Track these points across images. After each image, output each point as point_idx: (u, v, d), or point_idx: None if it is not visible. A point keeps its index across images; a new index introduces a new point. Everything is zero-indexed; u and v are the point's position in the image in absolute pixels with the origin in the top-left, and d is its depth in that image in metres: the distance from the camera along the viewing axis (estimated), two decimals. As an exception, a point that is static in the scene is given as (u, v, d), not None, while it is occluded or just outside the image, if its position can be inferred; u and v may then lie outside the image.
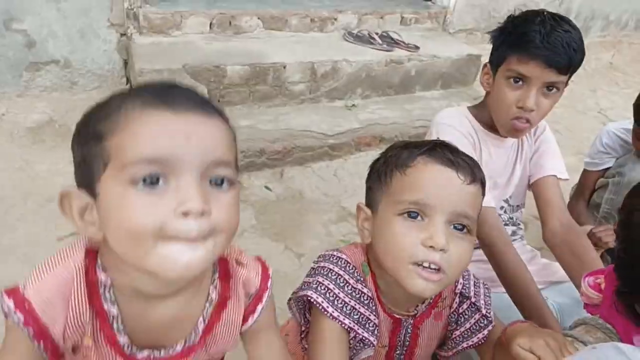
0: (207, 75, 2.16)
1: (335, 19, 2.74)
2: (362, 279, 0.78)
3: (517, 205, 1.27)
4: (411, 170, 0.73)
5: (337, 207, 1.98)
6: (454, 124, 1.15)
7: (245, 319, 0.69)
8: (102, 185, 0.52)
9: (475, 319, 0.82)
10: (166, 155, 0.49)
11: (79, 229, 0.55)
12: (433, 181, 0.72)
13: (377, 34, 2.70)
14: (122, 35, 2.28)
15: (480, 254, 1.07)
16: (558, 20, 1.04)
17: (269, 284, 0.71)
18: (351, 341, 0.77)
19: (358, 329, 0.75)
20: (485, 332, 0.82)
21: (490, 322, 0.82)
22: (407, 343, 0.83)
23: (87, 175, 0.53)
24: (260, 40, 2.50)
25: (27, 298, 0.55)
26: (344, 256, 0.79)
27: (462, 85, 2.82)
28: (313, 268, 0.81)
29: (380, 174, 0.78)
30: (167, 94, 0.52)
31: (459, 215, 0.71)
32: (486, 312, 0.82)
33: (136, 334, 0.62)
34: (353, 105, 2.53)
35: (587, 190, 1.67)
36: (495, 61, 1.10)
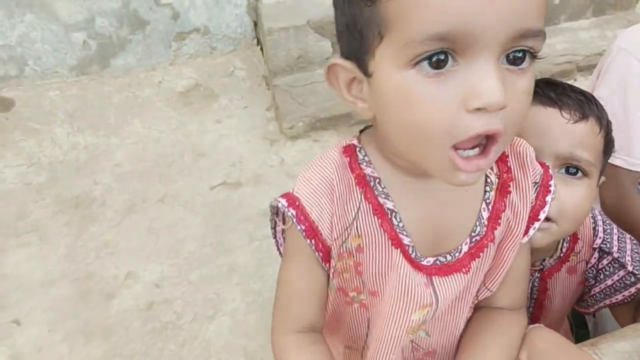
0: (331, 28, 2.17)
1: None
2: None
3: None
4: None
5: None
6: (636, 49, 0.90)
7: (525, 230, 0.58)
8: (377, 63, 0.43)
9: (619, 275, 0.75)
10: (461, 32, 0.38)
11: (347, 102, 0.49)
12: (531, 125, 0.64)
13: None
14: (250, -3, 2.41)
15: None
16: None
17: (551, 172, 0.59)
18: None
19: None
20: (633, 289, 0.74)
21: (639, 279, 0.74)
22: (535, 296, 0.80)
23: (356, 45, 0.45)
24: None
25: (297, 197, 0.54)
26: None
27: (619, 9, 2.40)
28: None
29: None
30: None
31: (567, 158, 0.64)
32: (633, 268, 0.74)
33: (416, 234, 0.54)
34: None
35: None
36: None
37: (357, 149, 0.55)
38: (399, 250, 0.54)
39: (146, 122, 2.18)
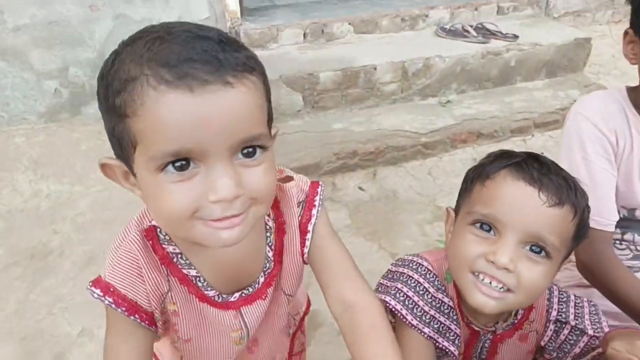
0: (302, 83, 2.26)
1: (427, 16, 2.69)
2: (443, 288, 0.76)
3: None
4: (490, 182, 0.69)
5: (432, 207, 1.94)
6: (593, 114, 0.94)
7: (302, 244, 0.68)
8: (137, 167, 0.51)
9: (584, 341, 0.76)
10: (191, 148, 0.47)
11: (128, 189, 0.56)
12: (509, 198, 0.67)
13: (471, 26, 2.59)
14: (224, 52, 2.48)
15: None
16: None
17: (318, 190, 0.69)
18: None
19: (438, 338, 0.73)
20: (601, 349, 0.74)
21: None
22: (484, 357, 0.80)
23: (120, 150, 0.52)
24: (352, 44, 2.54)
25: (109, 282, 0.59)
26: (425, 263, 0.77)
27: (569, 72, 2.58)
28: (391, 271, 0.79)
29: (467, 181, 0.75)
30: (182, 63, 0.46)
31: (534, 237, 0.66)
32: (594, 332, 0.75)
33: (221, 284, 0.65)
34: (448, 101, 2.46)
35: None
36: None
37: (157, 229, 0.62)
38: (205, 303, 0.65)
39: (114, 170, 2.15)
